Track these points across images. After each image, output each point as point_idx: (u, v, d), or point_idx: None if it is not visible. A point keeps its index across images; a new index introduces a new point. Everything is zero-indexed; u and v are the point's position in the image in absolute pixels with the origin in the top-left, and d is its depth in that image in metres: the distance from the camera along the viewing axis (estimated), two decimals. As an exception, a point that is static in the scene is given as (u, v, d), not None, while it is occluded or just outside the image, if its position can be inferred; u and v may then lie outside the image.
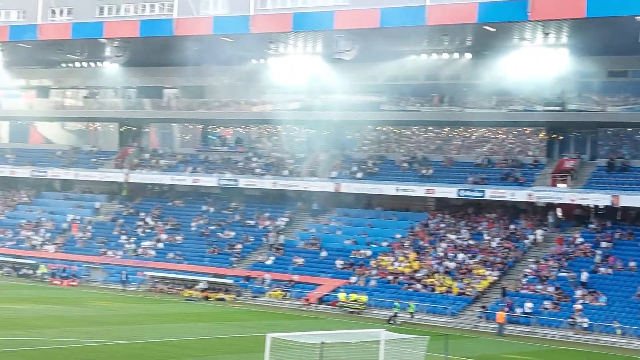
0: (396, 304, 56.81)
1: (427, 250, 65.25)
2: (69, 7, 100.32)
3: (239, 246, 71.17)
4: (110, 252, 73.92)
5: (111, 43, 72.18)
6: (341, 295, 61.03)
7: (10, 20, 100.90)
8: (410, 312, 56.83)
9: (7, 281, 69.11)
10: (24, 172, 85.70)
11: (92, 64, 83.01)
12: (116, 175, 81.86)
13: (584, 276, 57.79)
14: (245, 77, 79.29)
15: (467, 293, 59.31)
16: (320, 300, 62.11)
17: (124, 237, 75.98)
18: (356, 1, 67.05)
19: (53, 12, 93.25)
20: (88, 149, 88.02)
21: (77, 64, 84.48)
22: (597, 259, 59.89)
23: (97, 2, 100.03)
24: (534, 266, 60.54)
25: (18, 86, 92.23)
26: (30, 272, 72.20)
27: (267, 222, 74.00)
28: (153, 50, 74.37)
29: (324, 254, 67.92)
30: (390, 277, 62.93)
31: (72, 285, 68.46)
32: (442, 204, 71.05)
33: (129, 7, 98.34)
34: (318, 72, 70.71)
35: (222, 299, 63.43)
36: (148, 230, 76.55)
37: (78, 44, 77.07)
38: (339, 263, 66.14)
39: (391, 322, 54.57)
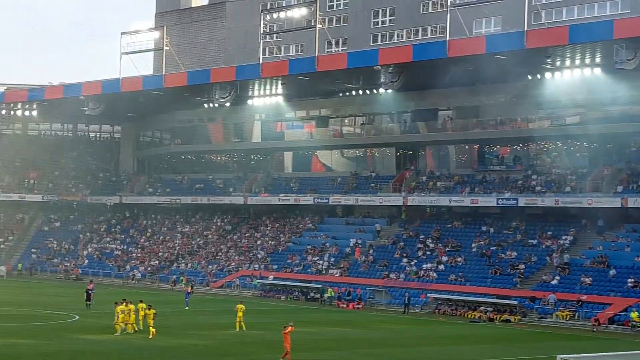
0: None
1: None
2: (344, 37, 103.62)
3: (522, 266, 69.60)
4: (392, 275, 74.77)
5: (386, 69, 73.27)
6: (634, 315, 58.06)
7: (289, 55, 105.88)
8: None
9: (297, 305, 71.67)
10: (307, 199, 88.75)
11: (367, 91, 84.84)
12: (395, 199, 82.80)
13: None
14: (520, 94, 77.85)
15: None
16: (611, 320, 59.37)
17: (404, 259, 76.61)
18: (636, 8, 64.20)
19: (329, 43, 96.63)
20: (367, 174, 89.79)
21: (353, 92, 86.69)
22: None
23: (371, 30, 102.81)
24: None
25: (299, 117, 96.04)
26: (318, 295, 74.50)
27: (550, 241, 71.87)
28: (426, 73, 74.68)
29: (612, 272, 64.93)
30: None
31: (358, 308, 69.83)
32: None
33: (402, 33, 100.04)
34: (597, 83, 68.07)
35: (507, 320, 62.22)
36: (428, 253, 76.75)
37: (354, 73, 78.85)
38: (629, 281, 62.95)
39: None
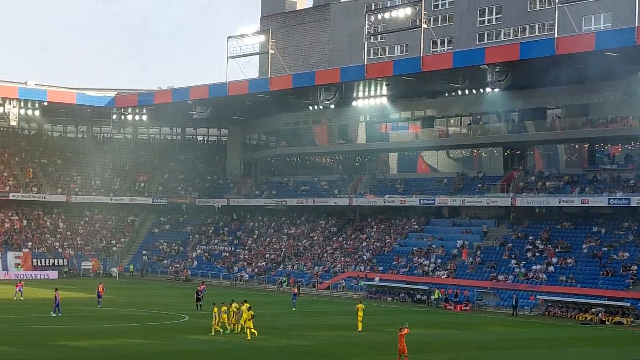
0: None
1: None
2: (450, 36, 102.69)
3: (635, 267, 67.68)
4: (500, 277, 73.68)
5: (492, 68, 72.28)
6: None
7: (394, 55, 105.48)
8: None
9: (403, 307, 71.35)
10: (413, 200, 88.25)
11: (474, 91, 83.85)
12: (502, 200, 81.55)
13: None
14: (631, 91, 75.72)
15: None
16: None
17: (513, 261, 75.42)
18: None
19: (434, 43, 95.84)
20: (473, 175, 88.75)
21: (459, 92, 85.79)
22: None
23: (477, 29, 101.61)
24: None
25: (404, 118, 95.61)
26: (424, 297, 74.00)
27: (665, 242, 69.77)
28: (534, 72, 73.38)
29: None
30: None
31: (465, 310, 69.09)
32: None
33: (508, 31, 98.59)
34: None
35: (619, 323, 60.61)
36: (537, 254, 75.36)
37: (460, 72, 78.04)
38: None
39: None
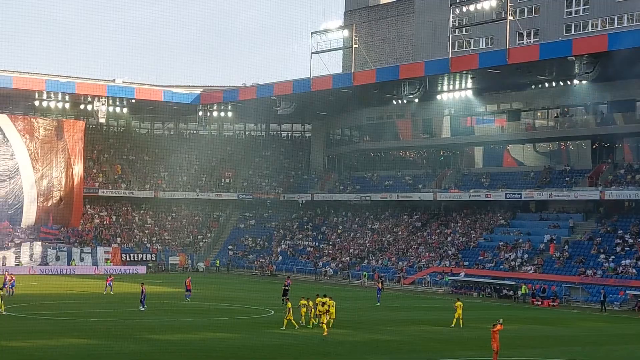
0: None
1: None
2: (536, 28, 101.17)
3: None
4: (588, 272, 72.37)
5: (580, 60, 71.11)
6: None
7: (479, 48, 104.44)
8: None
9: (489, 302, 70.64)
10: (499, 195, 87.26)
11: (561, 83, 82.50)
12: (591, 194, 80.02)
13: None
14: None
15: None
16: None
17: (602, 255, 74.00)
18: None
19: (520, 35, 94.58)
20: (561, 168, 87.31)
21: (546, 84, 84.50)
22: None
23: (564, 20, 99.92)
24: None
25: (489, 111, 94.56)
26: (511, 293, 73.12)
27: None
28: (623, 63, 71.74)
29: None
30: None
31: (553, 305, 68.04)
32: None
33: (596, 22, 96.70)
34: None
35: None
36: (627, 248, 73.79)
37: (546, 65, 76.91)
38: None
39: None
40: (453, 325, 50.71)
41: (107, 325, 48.67)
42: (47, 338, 42.48)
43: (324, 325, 46.33)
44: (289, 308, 48.31)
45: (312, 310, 49.01)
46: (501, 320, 38.71)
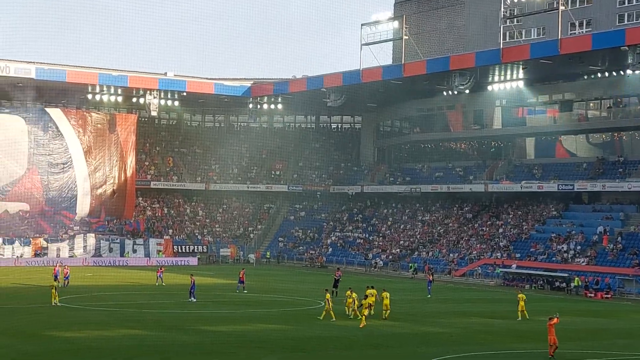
0: None
1: None
2: (588, 18, 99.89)
3: None
4: (643, 264, 71.46)
5: (633, 50, 70.08)
6: None
7: (530, 39, 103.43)
8: None
9: (542, 294, 70.04)
10: (551, 186, 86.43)
11: (614, 73, 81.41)
12: (645, 185, 78.97)
13: None
14: None
15: None
16: None
17: (657, 248, 73.06)
18: None
19: (572, 25, 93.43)
20: (614, 159, 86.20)
21: (599, 75, 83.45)
22: None
23: (617, 10, 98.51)
24: None
25: (541, 102, 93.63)
26: (564, 285, 72.44)
27: None
28: (678, 52, 70.60)
29: None
30: None
31: (606, 297, 67.28)
32: None
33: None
34: None
35: None
36: (683, 241, 72.71)
37: (599, 55, 75.92)
38: None
39: None
40: (519, 318, 50.45)
41: (158, 316, 49.17)
42: (101, 329, 43.06)
43: (363, 318, 46.17)
44: (328, 299, 48.43)
45: (356, 302, 49.05)
46: (557, 314, 38.39)
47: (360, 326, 45.13)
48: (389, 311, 48.90)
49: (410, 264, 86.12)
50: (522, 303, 50.92)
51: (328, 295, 48.97)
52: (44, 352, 36.08)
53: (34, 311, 49.66)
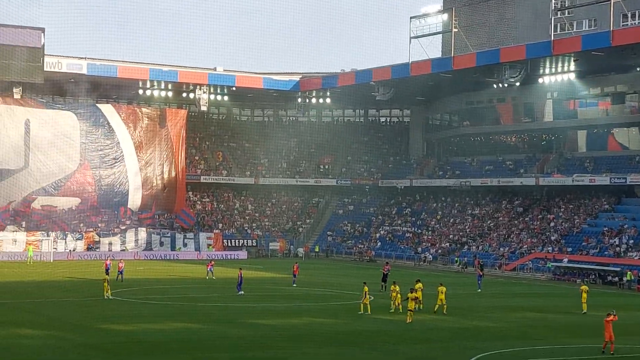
0: None
1: None
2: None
3: None
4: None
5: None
6: None
7: (582, 30, 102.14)
8: None
9: (594, 289, 69.14)
10: (603, 179, 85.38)
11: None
12: (700, 178, 77.71)
13: None
14: None
15: None
16: None
17: None
18: None
19: (624, 16, 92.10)
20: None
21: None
22: None
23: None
24: None
25: (593, 94, 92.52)
26: (616, 279, 71.54)
27: None
28: None
29: None
30: None
31: (661, 292, 66.38)
32: None
33: None
34: None
35: None
36: None
37: (655, 46, 74.83)
38: None
39: None
40: (584, 310, 50.23)
41: (209, 309, 49.47)
42: (152, 322, 43.44)
43: (409, 313, 45.79)
44: (365, 292, 48.35)
45: (399, 295, 48.90)
46: (614, 312, 37.89)
47: (407, 321, 44.92)
48: (445, 306, 48.68)
49: (456, 259, 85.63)
50: (584, 295, 50.58)
51: (366, 288, 48.91)
52: (96, 345, 36.49)
53: (87, 304, 50.27)
